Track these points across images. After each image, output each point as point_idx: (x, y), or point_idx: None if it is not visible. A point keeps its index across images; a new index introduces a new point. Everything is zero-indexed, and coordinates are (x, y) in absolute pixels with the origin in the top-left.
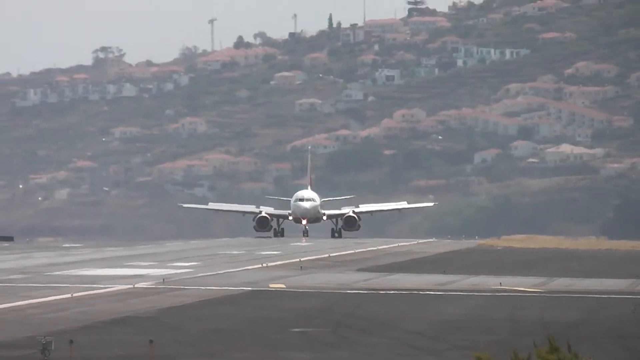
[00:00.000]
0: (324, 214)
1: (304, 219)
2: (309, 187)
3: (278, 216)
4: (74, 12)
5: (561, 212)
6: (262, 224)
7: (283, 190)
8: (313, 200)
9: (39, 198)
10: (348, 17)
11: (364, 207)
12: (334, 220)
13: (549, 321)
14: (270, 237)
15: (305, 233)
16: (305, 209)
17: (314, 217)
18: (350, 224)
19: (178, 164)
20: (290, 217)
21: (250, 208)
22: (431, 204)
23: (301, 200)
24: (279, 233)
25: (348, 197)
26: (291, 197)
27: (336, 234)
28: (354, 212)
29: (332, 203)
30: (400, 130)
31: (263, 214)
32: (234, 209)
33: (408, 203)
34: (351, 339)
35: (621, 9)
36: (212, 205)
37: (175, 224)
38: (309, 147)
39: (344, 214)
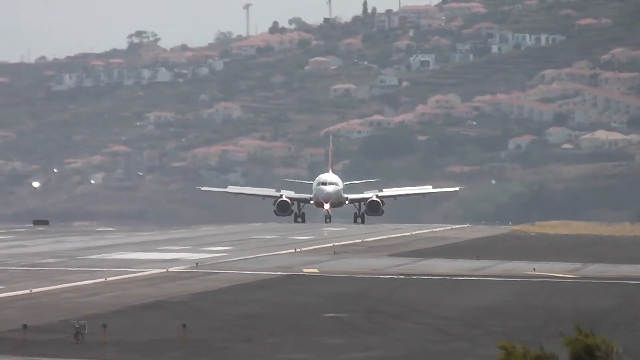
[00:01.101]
0: (347, 198)
1: (326, 202)
2: (330, 171)
3: (299, 200)
4: None
5: (596, 198)
6: (283, 208)
7: (317, 175)
8: (336, 184)
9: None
10: (383, 3)
11: (387, 192)
12: (357, 204)
13: (583, 307)
14: (290, 222)
15: (328, 218)
16: (328, 192)
17: (337, 202)
18: (373, 208)
19: (212, 149)
20: (312, 202)
21: (271, 192)
22: (457, 189)
23: (324, 184)
24: (300, 217)
25: (372, 180)
26: (313, 181)
27: (359, 219)
28: (377, 196)
29: (356, 187)
30: (435, 116)
31: (284, 197)
32: (254, 193)
33: (434, 188)
34: (384, 325)
35: None
36: (231, 189)
37: (209, 209)
38: (330, 130)
39: (367, 199)
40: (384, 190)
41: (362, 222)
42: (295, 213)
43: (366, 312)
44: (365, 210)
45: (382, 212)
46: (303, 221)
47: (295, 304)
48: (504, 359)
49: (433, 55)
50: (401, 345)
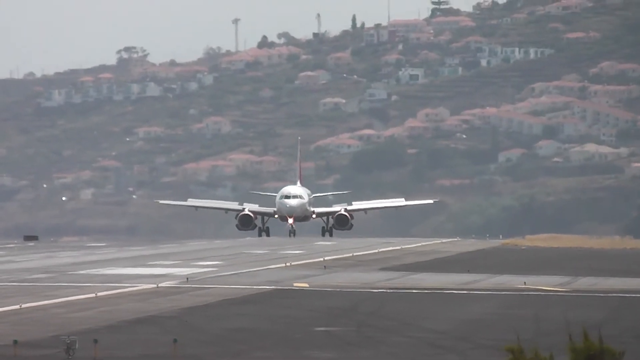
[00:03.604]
0: (314, 212)
1: (290, 217)
2: (299, 183)
3: (263, 214)
4: (98, 12)
5: (586, 211)
6: (245, 223)
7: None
8: (300, 197)
9: (63, 198)
10: (372, 17)
11: (357, 205)
12: (325, 218)
13: (574, 320)
14: (255, 236)
15: (292, 233)
16: (291, 206)
17: (302, 216)
18: (341, 222)
19: (202, 164)
20: (276, 216)
21: (233, 205)
22: (431, 201)
23: (287, 197)
24: (264, 232)
25: (343, 192)
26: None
27: (327, 234)
28: (345, 210)
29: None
30: (424, 130)
31: (246, 211)
32: (215, 206)
33: (409, 201)
34: (375, 339)
35: None
36: (191, 202)
37: (200, 224)
38: (299, 138)
39: (335, 212)
40: (353, 203)
41: (331, 236)
42: (259, 227)
43: (357, 325)
44: (333, 225)
45: (351, 226)
46: (268, 236)
47: (286, 318)
48: None
49: (422, 69)
50: (392, 359)
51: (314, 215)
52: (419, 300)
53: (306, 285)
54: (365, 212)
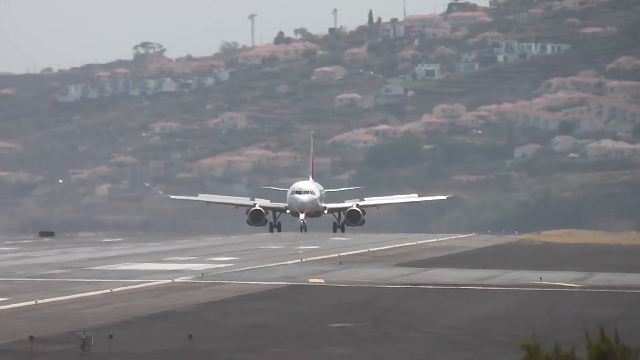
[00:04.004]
0: (325, 208)
1: (301, 212)
2: (311, 178)
3: (274, 209)
4: (115, 7)
5: (602, 207)
6: (256, 218)
7: (323, 185)
8: (312, 192)
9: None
10: (388, 13)
11: (369, 200)
12: (336, 214)
13: (589, 316)
14: (265, 231)
15: (303, 228)
16: (303, 202)
17: (313, 211)
18: (353, 218)
19: (218, 160)
20: (288, 211)
21: (244, 200)
22: (444, 197)
23: (298, 192)
24: (276, 227)
25: (356, 188)
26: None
27: (338, 229)
28: (357, 205)
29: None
30: (440, 125)
31: (257, 206)
32: (226, 201)
33: (422, 197)
34: (391, 334)
35: None
36: (202, 197)
37: (215, 220)
38: (312, 133)
39: (346, 208)
40: (365, 199)
41: (343, 232)
42: (271, 223)
43: (372, 321)
44: (344, 220)
45: (363, 222)
46: (279, 231)
47: (301, 314)
48: (526, 358)
49: (438, 64)
50: (408, 355)
51: (325, 211)
52: (435, 296)
53: (322, 281)
54: (378, 208)
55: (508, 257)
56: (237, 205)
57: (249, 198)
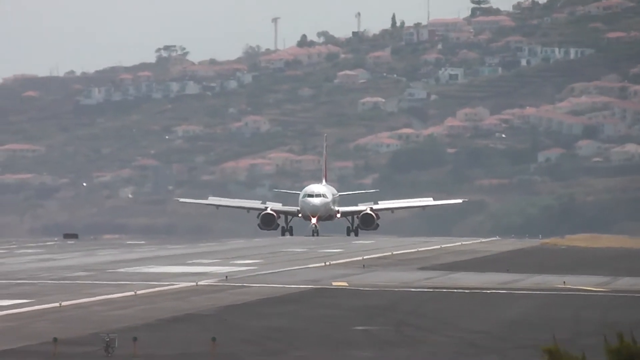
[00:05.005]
0: (338, 211)
1: (313, 216)
2: (324, 181)
3: (286, 213)
4: (138, 10)
5: (626, 211)
6: (268, 222)
7: (345, 189)
8: (324, 195)
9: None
10: (411, 16)
11: (383, 204)
12: (350, 218)
13: (613, 321)
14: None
15: (315, 232)
16: (315, 205)
17: (326, 215)
18: (367, 222)
19: (241, 163)
20: (300, 215)
21: (255, 204)
22: (460, 201)
23: (310, 195)
24: (287, 231)
25: (369, 191)
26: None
27: (352, 233)
28: (371, 209)
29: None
30: (463, 129)
31: (269, 210)
32: (237, 205)
33: (437, 200)
34: (414, 338)
35: None
36: (212, 200)
37: (239, 223)
38: (325, 135)
39: (360, 211)
40: (379, 202)
41: (356, 236)
42: (283, 227)
43: (396, 325)
44: (358, 225)
45: (377, 226)
46: (291, 235)
47: (325, 317)
48: None
49: (462, 68)
50: (431, 358)
51: (338, 215)
52: (458, 299)
53: (345, 284)
54: (392, 212)
55: (531, 261)
56: (249, 209)
57: (260, 201)
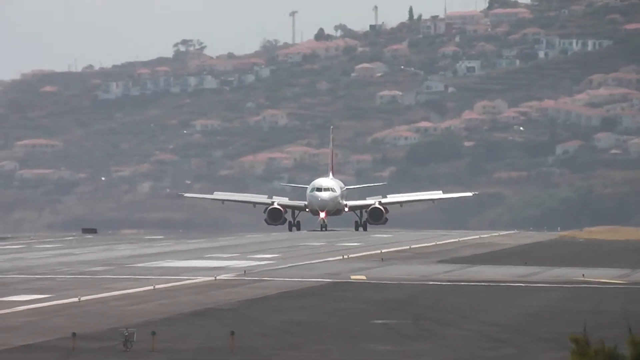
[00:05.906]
0: (346, 205)
1: (321, 211)
2: (331, 175)
3: (293, 207)
4: (155, 5)
5: None
6: (275, 217)
7: (364, 182)
8: (332, 189)
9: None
10: (429, 9)
11: (392, 198)
12: (358, 212)
13: (633, 313)
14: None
15: (323, 227)
16: (323, 199)
17: (334, 209)
18: (375, 216)
19: (259, 157)
20: (307, 209)
21: (262, 198)
22: (470, 194)
23: (318, 189)
24: (295, 226)
25: (378, 184)
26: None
27: (360, 228)
28: (380, 203)
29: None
30: (481, 122)
31: (275, 205)
32: (243, 199)
33: (447, 193)
34: (432, 331)
35: None
36: (217, 195)
37: (258, 217)
38: (331, 127)
39: (368, 205)
40: (388, 196)
41: (365, 230)
42: (290, 222)
43: (414, 318)
44: (367, 219)
45: (386, 220)
46: (298, 230)
47: (343, 310)
48: (575, 351)
49: (479, 61)
50: (450, 352)
51: (346, 209)
52: (477, 293)
53: (363, 277)
54: (401, 206)
55: (550, 254)
56: (255, 204)
57: (266, 196)
